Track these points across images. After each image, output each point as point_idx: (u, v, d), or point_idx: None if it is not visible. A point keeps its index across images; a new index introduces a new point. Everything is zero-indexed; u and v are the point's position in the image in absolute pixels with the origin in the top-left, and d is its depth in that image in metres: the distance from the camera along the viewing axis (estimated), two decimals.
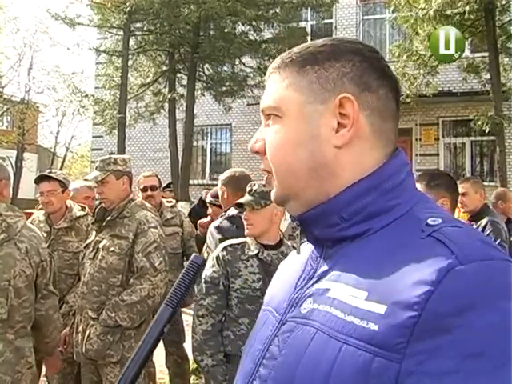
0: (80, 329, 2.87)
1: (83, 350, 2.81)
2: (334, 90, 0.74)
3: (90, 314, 2.82)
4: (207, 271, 2.42)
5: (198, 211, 7.85)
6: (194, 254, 0.88)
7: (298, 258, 0.88)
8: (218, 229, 2.95)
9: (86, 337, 2.81)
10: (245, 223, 2.41)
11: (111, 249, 2.79)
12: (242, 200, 2.41)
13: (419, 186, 2.57)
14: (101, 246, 2.84)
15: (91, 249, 2.92)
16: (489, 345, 0.56)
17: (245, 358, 0.83)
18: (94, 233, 3.00)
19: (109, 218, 2.86)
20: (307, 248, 0.86)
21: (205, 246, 3.48)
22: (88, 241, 3.07)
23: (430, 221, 0.68)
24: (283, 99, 0.77)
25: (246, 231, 2.40)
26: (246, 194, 2.43)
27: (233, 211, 2.95)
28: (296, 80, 0.76)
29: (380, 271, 0.66)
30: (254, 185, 2.42)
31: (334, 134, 0.74)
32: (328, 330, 0.66)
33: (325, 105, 0.75)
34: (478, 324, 0.56)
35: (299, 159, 0.75)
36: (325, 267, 0.75)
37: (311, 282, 0.76)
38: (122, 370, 0.79)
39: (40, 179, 3.43)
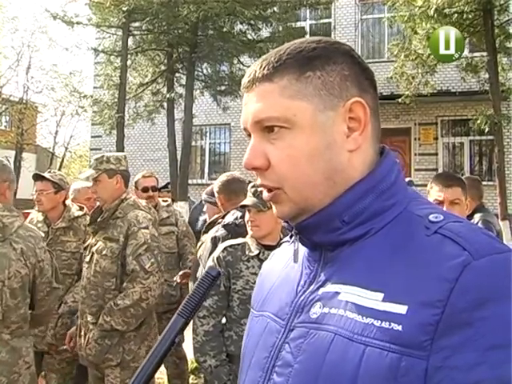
0: (82, 333, 2.87)
1: (84, 354, 2.82)
2: (340, 95, 0.73)
3: (89, 318, 2.81)
4: None
5: (200, 210, 7.90)
6: (208, 265, 0.87)
7: (285, 260, 0.87)
8: (213, 240, 2.90)
9: (86, 341, 2.81)
10: (249, 224, 2.38)
11: (103, 252, 2.78)
12: (247, 202, 2.37)
13: (440, 188, 2.60)
14: (94, 249, 2.83)
15: (87, 252, 2.92)
16: (508, 335, 0.58)
17: (247, 366, 0.81)
18: (91, 235, 2.98)
19: (99, 219, 2.85)
20: (289, 248, 0.85)
21: (199, 245, 3.47)
22: (86, 243, 3.06)
23: (431, 217, 0.69)
24: (291, 109, 0.72)
25: (251, 233, 2.38)
26: (250, 195, 2.40)
27: (229, 218, 2.93)
28: (299, 88, 0.73)
29: (391, 271, 0.67)
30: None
31: (346, 139, 0.74)
32: (347, 333, 0.66)
33: (335, 111, 0.73)
34: (496, 316, 0.59)
35: (317, 170, 0.73)
36: (328, 271, 0.75)
37: (315, 286, 0.75)
38: (130, 380, 0.77)
39: (35, 178, 3.45)
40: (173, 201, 8.75)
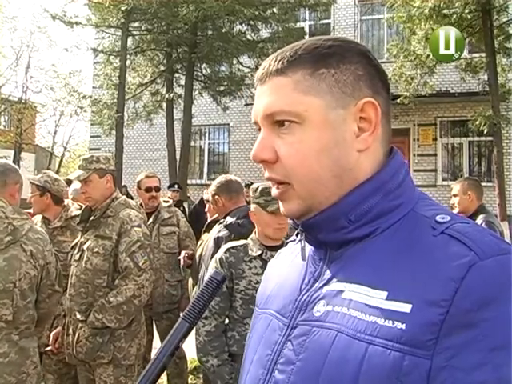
0: (70, 331, 2.85)
1: (74, 352, 2.80)
2: (353, 95, 0.73)
3: (78, 316, 2.80)
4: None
5: (198, 210, 7.95)
6: (214, 270, 0.85)
7: (290, 259, 0.87)
8: (216, 241, 2.88)
9: (75, 339, 2.79)
10: (277, 228, 2.36)
11: (95, 250, 2.77)
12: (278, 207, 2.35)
13: None
14: (85, 247, 2.82)
15: (77, 250, 2.90)
16: None
17: (249, 364, 0.81)
18: (80, 233, 2.97)
19: (92, 218, 2.83)
20: (295, 247, 0.85)
21: (199, 244, 3.47)
22: (74, 242, 3.04)
23: (438, 218, 0.69)
24: (302, 104, 0.73)
25: (279, 235, 2.38)
26: (257, 195, 2.39)
27: (230, 219, 2.92)
28: (313, 83, 0.73)
29: (396, 270, 0.67)
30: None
31: (356, 139, 0.73)
32: (350, 331, 0.66)
33: (346, 109, 0.73)
34: (501, 317, 0.59)
35: (325, 167, 0.73)
36: (333, 269, 0.74)
37: (319, 284, 0.75)
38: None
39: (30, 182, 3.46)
40: (181, 201, 8.80)
